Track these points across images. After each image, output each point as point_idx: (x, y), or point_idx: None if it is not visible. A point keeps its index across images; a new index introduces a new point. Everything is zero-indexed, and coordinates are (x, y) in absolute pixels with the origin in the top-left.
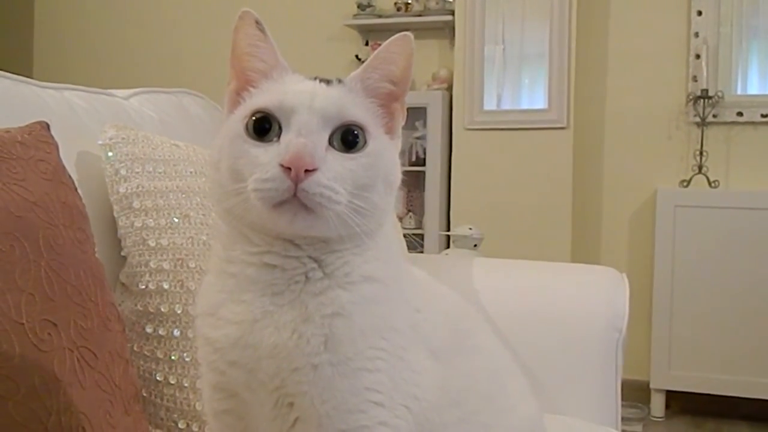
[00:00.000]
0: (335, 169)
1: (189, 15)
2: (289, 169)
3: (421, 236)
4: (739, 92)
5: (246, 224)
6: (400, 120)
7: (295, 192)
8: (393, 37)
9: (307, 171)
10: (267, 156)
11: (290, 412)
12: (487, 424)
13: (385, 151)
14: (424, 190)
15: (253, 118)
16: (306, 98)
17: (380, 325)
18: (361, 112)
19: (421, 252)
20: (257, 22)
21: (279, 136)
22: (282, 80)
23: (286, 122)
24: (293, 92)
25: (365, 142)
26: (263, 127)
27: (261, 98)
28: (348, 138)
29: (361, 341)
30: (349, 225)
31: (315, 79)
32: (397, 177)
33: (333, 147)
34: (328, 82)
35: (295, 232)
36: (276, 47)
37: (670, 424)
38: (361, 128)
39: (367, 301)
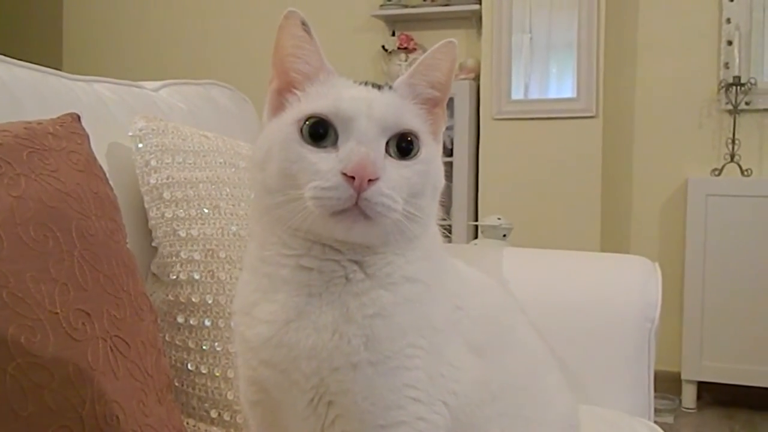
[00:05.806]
0: (393, 178)
1: (217, 7)
2: (352, 178)
3: (449, 227)
4: None
5: (289, 229)
6: (442, 124)
7: (356, 201)
8: (438, 44)
9: (369, 180)
10: (327, 163)
11: (329, 410)
12: (528, 418)
13: (435, 158)
14: (451, 181)
15: (308, 122)
16: (363, 105)
17: (420, 324)
18: (414, 119)
19: (449, 242)
20: (303, 23)
21: (335, 143)
22: (332, 84)
23: (343, 129)
24: (349, 98)
25: (419, 149)
26: (317, 132)
27: (315, 103)
28: (402, 145)
29: (400, 340)
30: (402, 231)
31: (365, 84)
32: (442, 181)
33: (389, 155)
34: (379, 87)
35: (350, 239)
36: (321, 49)
37: (701, 416)
38: (416, 135)
39: (408, 302)
